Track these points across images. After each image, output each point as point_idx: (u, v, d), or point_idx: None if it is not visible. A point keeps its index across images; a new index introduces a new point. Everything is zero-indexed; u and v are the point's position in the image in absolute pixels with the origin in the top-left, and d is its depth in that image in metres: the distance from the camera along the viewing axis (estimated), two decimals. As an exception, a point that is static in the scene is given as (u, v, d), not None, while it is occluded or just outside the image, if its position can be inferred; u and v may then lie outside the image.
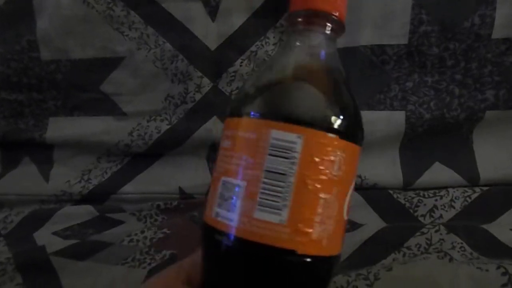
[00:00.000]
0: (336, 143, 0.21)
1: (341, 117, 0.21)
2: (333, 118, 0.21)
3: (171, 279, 0.24)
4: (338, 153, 0.21)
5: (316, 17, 0.23)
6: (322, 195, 0.20)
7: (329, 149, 0.21)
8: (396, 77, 0.49)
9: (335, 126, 0.21)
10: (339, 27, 0.24)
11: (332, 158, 0.21)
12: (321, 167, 0.20)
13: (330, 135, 0.21)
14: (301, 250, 0.20)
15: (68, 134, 0.53)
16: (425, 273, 0.34)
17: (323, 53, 0.24)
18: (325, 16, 0.23)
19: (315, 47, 0.24)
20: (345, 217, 0.22)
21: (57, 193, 0.52)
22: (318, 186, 0.20)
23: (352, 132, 0.22)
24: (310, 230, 0.20)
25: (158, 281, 0.25)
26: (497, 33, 0.46)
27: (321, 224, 0.20)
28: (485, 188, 0.46)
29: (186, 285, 0.24)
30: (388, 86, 0.49)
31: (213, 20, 0.50)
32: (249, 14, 0.49)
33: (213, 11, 0.49)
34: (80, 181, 0.53)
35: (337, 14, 0.23)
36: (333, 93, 0.23)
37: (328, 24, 0.23)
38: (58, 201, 0.53)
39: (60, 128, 0.53)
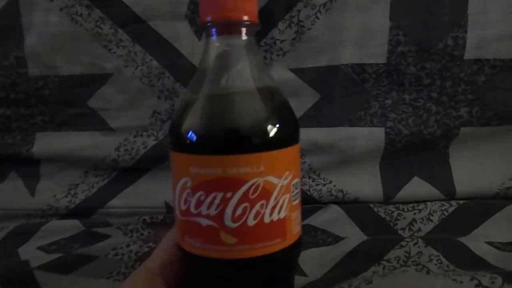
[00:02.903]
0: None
1: None
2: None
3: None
4: None
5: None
6: None
7: None
8: (375, 94, 0.50)
9: None
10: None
11: None
12: None
13: None
14: None
15: (55, 149, 0.53)
16: (403, 286, 0.34)
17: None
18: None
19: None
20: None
21: (43, 207, 0.52)
22: None
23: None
24: None
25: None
26: (469, 54, 0.48)
27: None
28: (461, 202, 0.47)
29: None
30: (368, 103, 0.50)
31: (199, 39, 0.50)
32: None
33: (198, 30, 0.50)
34: (66, 196, 0.53)
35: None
36: None
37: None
38: (44, 215, 0.52)
39: (48, 142, 0.53)
